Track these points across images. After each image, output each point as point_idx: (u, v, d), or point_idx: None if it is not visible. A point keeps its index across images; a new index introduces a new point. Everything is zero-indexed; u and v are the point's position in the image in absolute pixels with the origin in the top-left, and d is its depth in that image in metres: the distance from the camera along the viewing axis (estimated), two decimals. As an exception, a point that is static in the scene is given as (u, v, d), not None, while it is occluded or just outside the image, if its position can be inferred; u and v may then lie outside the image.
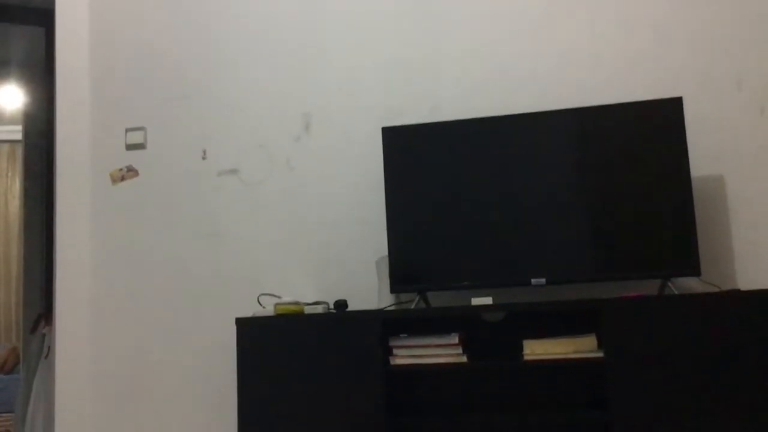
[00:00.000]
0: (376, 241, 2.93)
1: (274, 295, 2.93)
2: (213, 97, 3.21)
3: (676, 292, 2.51)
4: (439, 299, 2.83)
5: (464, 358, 2.55)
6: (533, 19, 2.97)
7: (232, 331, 2.73)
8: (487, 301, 2.55)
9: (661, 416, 2.35)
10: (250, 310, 2.89)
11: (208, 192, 3.16)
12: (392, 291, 2.74)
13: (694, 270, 2.53)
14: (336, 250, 3.00)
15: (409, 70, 3.05)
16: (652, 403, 2.36)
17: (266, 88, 3.17)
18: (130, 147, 3.24)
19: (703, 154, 2.75)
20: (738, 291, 2.46)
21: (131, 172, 3.24)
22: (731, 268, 2.70)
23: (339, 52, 3.12)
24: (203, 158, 3.18)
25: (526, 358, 2.51)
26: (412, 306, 2.72)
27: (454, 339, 2.55)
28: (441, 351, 2.56)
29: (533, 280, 2.62)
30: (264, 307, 2.84)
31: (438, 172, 2.75)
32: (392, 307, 2.78)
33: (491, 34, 3.00)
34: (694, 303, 2.40)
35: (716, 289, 2.59)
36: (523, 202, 2.68)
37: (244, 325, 2.68)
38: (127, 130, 3.25)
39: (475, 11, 3.02)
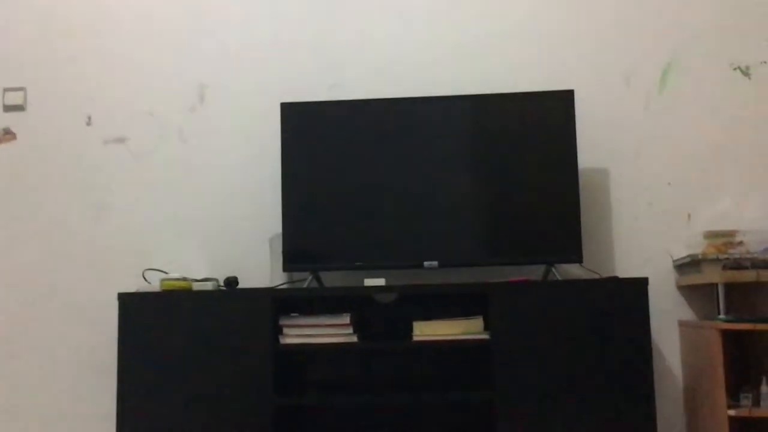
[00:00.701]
0: (270, 219, 2.89)
1: (161, 271, 2.83)
2: (101, 59, 3.04)
3: (560, 278, 2.62)
4: (332, 279, 2.82)
5: (355, 338, 2.55)
6: (433, 6, 2.99)
7: (114, 306, 2.62)
8: (380, 282, 2.56)
9: (542, 395, 2.45)
10: (134, 286, 2.78)
11: (92, 160, 3.00)
12: (285, 269, 2.71)
13: (577, 257, 2.64)
14: (228, 226, 2.93)
15: (310, 46, 3.00)
16: (534, 383, 2.45)
17: (160, 54, 3.03)
18: (7, 108, 3.02)
19: (591, 146, 2.87)
20: (616, 278, 2.59)
21: (8, 135, 3.03)
22: (611, 257, 2.84)
23: (239, 21, 3.03)
24: (88, 124, 3.02)
25: (415, 338, 2.55)
26: (305, 285, 2.70)
27: (345, 319, 2.56)
28: (332, 331, 2.56)
29: (426, 263, 2.66)
30: (150, 283, 2.74)
31: (335, 151, 2.73)
32: (284, 286, 2.75)
33: (393, 16, 3.00)
34: (576, 288, 2.51)
35: (596, 276, 2.73)
36: (418, 186, 2.70)
37: (127, 301, 2.57)
38: (5, 90, 3.03)
39: (378, -9, 3.01)
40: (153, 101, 3.01)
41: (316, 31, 3.01)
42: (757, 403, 2.41)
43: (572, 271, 2.80)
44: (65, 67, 3.04)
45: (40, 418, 2.90)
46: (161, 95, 3.01)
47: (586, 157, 2.86)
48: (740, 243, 2.60)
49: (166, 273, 2.78)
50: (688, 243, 2.73)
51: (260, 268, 2.87)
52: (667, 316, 2.79)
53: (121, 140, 3.01)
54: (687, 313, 2.80)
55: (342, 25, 3.00)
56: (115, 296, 2.63)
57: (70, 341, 2.92)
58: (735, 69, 2.88)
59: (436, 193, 2.70)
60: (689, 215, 2.84)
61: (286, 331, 2.57)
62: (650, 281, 2.54)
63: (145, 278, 2.80)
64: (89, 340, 2.91)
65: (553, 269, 2.65)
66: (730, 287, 2.65)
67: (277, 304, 2.57)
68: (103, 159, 3.00)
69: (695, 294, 2.80)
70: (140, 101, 3.02)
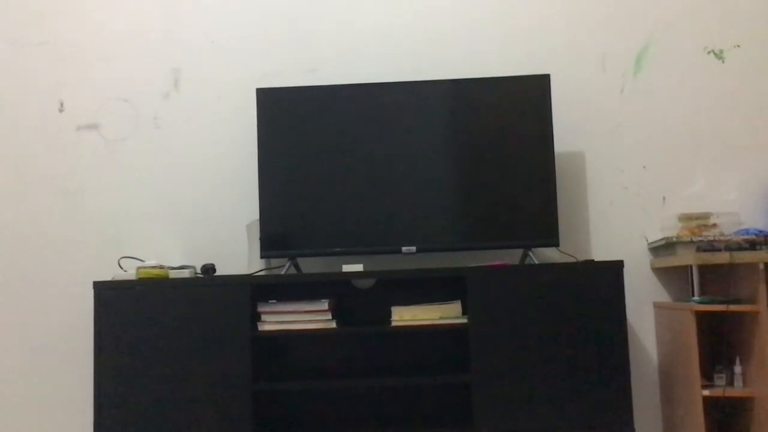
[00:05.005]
0: (247, 205, 2.87)
1: (137, 258, 2.80)
2: (73, 44, 2.99)
3: (536, 261, 2.63)
4: (310, 265, 2.82)
5: (333, 324, 2.55)
6: (412, -12, 2.98)
7: (90, 295, 2.60)
8: (358, 267, 2.56)
9: (519, 378, 2.47)
10: (110, 274, 2.75)
11: (65, 147, 2.96)
12: (262, 256, 2.69)
13: (554, 241, 2.66)
14: (205, 213, 2.91)
15: (287, 31, 2.97)
16: (512, 366, 2.47)
17: (134, 39, 2.99)
18: (-24, 95, 2.97)
19: (567, 130, 2.89)
20: (592, 261, 2.61)
21: (-23, 122, 2.98)
22: (587, 240, 2.86)
23: (214, 5, 2.99)
24: (60, 110, 2.97)
25: (394, 324, 2.55)
26: (283, 271, 2.69)
27: (324, 305, 2.55)
28: (310, 317, 2.55)
29: (404, 248, 2.66)
30: (125, 271, 2.72)
31: (312, 137, 2.72)
32: (262, 273, 2.73)
33: (371, 1, 2.98)
34: (552, 272, 2.52)
35: (573, 260, 2.75)
36: (396, 171, 2.70)
37: (102, 290, 2.54)
38: (-27, 76, 2.98)
39: (354, -25, 2.98)
40: (127, 87, 2.97)
41: (293, 16, 2.98)
42: (730, 383, 2.45)
43: (549, 254, 2.82)
44: (37, 52, 2.99)
45: (16, 408, 2.87)
46: (135, 81, 2.97)
47: (562, 140, 2.88)
48: (714, 225, 2.63)
49: (142, 261, 2.76)
50: (663, 226, 2.76)
51: (238, 255, 2.86)
52: (643, 298, 2.83)
53: (94, 127, 2.97)
54: (662, 295, 2.83)
55: (319, 10, 2.98)
56: (91, 285, 2.60)
57: (46, 330, 2.89)
58: (709, 52, 2.91)
59: (413, 178, 2.70)
60: (664, 198, 2.86)
61: (264, 317, 2.56)
62: (625, 264, 2.57)
63: (120, 266, 2.77)
64: (65, 329, 2.88)
65: (530, 253, 2.66)
66: (704, 269, 2.68)
67: (255, 290, 2.56)
68: (76, 146, 2.96)
69: (670, 276, 2.83)
70: (114, 87, 2.97)
